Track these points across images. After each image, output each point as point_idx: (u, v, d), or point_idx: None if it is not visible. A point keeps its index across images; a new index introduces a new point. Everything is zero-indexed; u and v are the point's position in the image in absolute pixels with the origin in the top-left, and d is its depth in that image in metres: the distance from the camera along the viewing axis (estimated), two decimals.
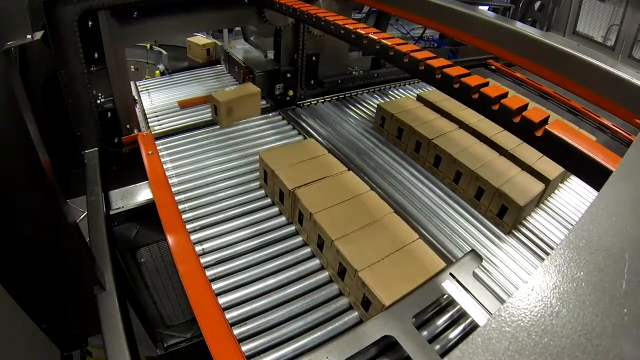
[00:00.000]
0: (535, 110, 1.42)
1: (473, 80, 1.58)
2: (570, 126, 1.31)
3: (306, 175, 2.38)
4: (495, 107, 1.49)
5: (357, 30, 2.07)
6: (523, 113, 1.41)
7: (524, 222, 2.51)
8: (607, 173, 1.12)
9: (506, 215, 2.40)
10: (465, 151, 2.70)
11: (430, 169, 2.86)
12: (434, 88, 1.77)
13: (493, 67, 4.76)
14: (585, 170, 1.27)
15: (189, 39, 4.38)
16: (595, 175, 1.20)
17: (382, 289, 1.78)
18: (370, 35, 2.02)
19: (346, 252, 1.94)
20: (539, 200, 2.59)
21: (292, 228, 2.37)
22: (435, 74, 1.69)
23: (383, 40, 1.94)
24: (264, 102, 3.68)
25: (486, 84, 1.57)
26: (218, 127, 3.24)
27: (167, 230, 2.26)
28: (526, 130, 1.40)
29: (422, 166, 2.92)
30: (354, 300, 1.94)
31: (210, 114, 3.42)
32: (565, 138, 1.29)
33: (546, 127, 1.34)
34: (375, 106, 3.44)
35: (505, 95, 1.51)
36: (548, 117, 1.38)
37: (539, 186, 2.48)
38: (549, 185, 2.54)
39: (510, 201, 2.35)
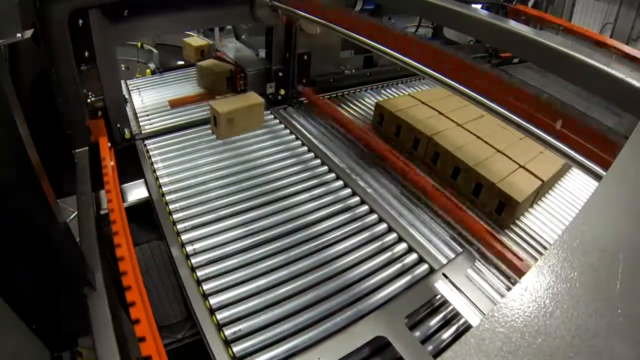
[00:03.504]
0: None
1: None
2: None
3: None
4: None
5: None
6: None
7: (517, 221, 2.51)
8: None
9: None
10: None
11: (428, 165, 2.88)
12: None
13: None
14: None
15: (184, 39, 4.36)
16: None
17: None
18: None
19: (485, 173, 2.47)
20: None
21: (286, 226, 2.36)
22: None
23: None
24: None
25: None
26: (209, 126, 3.21)
27: None
28: None
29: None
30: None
31: (202, 113, 3.41)
32: None
33: None
34: (369, 105, 3.43)
35: None
36: None
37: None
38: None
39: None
